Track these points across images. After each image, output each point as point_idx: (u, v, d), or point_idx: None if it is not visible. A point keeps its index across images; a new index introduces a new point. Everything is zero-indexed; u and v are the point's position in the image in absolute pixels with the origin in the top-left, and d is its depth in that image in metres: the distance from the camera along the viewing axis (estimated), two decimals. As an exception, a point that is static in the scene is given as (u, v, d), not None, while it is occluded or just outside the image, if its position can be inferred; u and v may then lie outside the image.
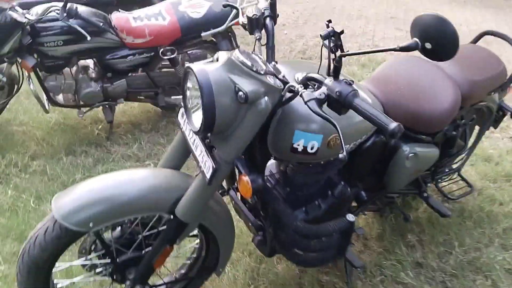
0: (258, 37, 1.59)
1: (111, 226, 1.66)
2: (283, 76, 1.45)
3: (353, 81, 1.34)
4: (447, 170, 2.42)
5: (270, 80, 1.39)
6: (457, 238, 2.40)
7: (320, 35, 1.41)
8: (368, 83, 2.01)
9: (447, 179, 2.51)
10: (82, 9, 2.86)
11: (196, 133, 1.43)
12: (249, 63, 1.38)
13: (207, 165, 1.45)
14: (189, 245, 2.00)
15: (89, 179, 1.60)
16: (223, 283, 2.10)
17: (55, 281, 1.72)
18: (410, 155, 1.95)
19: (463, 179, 2.53)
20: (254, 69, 1.37)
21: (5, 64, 2.94)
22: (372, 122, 1.24)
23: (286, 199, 1.77)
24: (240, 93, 1.33)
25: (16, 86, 3.14)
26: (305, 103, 1.29)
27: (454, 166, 2.48)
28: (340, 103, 1.28)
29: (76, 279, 1.79)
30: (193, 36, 3.22)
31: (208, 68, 1.37)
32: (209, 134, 1.47)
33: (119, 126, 3.47)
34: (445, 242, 2.39)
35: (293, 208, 1.78)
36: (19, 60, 2.92)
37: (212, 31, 3.20)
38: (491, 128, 2.51)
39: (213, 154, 1.46)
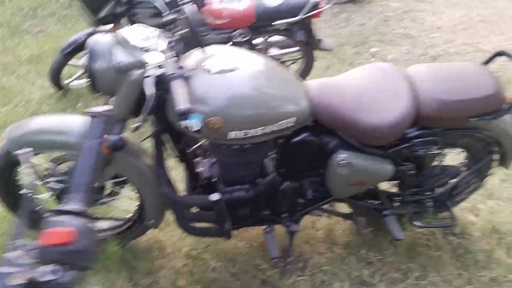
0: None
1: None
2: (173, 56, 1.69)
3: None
4: (427, 194, 2.17)
5: (146, 56, 1.63)
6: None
7: None
8: (314, 82, 1.99)
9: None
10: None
11: None
12: (129, 39, 1.66)
13: None
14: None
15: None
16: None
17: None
18: (342, 162, 1.91)
19: (448, 210, 2.22)
20: (133, 45, 1.65)
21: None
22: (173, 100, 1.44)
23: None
24: (115, 62, 1.62)
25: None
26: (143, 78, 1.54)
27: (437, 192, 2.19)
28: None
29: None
30: (267, 24, 3.43)
31: (100, 39, 1.69)
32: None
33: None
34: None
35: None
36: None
37: (285, 20, 3.37)
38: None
39: (109, 103, 1.76)
